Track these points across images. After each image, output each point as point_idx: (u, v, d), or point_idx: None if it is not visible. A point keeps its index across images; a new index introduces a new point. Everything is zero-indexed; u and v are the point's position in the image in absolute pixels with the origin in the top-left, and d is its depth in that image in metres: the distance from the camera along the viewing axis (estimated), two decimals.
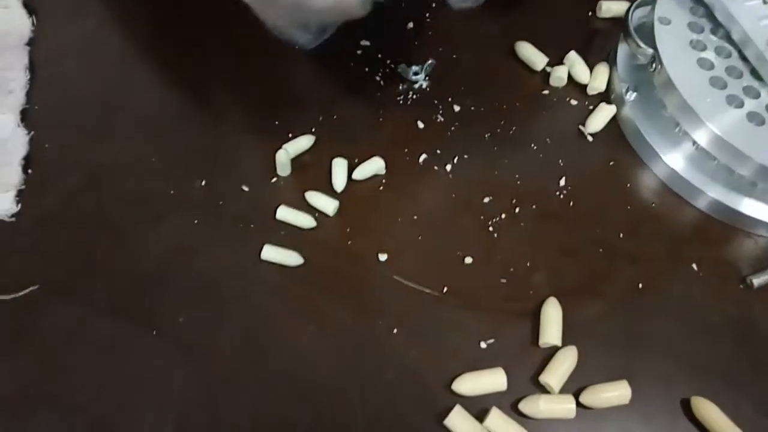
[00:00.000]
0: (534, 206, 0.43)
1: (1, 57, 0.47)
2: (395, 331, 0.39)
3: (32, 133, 0.44)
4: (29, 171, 0.43)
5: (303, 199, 0.42)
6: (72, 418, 0.36)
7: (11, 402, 0.36)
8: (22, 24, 0.48)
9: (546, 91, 0.48)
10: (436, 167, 0.44)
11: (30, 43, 0.48)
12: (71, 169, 0.43)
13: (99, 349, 0.38)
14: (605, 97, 0.48)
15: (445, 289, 0.40)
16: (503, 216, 0.43)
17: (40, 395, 0.36)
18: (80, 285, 0.39)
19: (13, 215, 0.41)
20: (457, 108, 0.47)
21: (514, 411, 0.36)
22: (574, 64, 0.48)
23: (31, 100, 0.46)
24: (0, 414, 0.36)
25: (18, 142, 0.44)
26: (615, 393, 0.37)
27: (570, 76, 0.48)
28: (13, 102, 0.45)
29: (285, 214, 0.42)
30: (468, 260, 0.41)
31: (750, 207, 0.43)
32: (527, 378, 0.38)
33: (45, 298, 0.39)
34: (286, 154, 0.42)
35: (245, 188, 0.43)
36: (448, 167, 0.44)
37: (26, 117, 0.45)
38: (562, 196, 0.44)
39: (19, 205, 0.42)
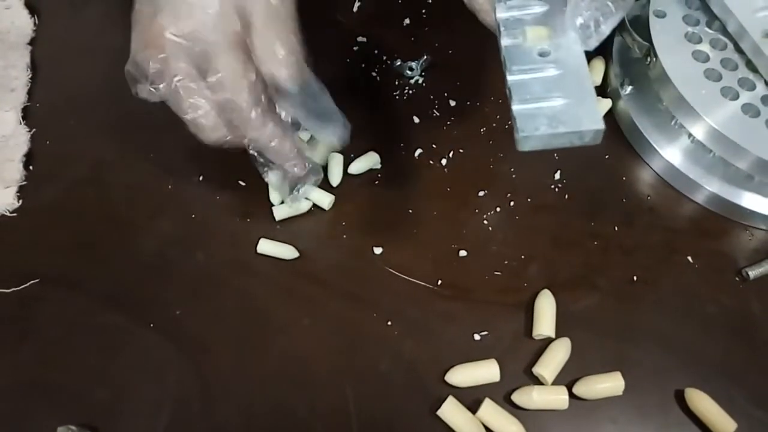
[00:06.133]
0: (529, 199, 0.43)
1: (4, 56, 0.47)
2: (389, 323, 0.39)
3: (33, 130, 0.45)
4: (30, 167, 0.44)
5: None
6: (69, 410, 0.36)
7: (11, 392, 0.37)
8: (24, 23, 0.49)
9: None
10: (431, 161, 0.45)
11: (32, 42, 0.49)
12: (71, 165, 0.44)
13: (97, 342, 0.38)
14: (601, 90, 0.48)
15: (440, 282, 0.40)
16: (498, 209, 0.43)
17: (39, 386, 0.37)
18: (79, 278, 0.40)
19: (14, 210, 0.42)
20: (452, 103, 0.47)
21: (507, 402, 0.37)
22: None
23: (33, 97, 0.47)
24: (0, 404, 0.36)
25: (20, 139, 0.45)
26: (608, 384, 0.37)
27: None
28: (14, 100, 0.46)
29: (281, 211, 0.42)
30: (463, 253, 0.41)
31: (747, 200, 0.43)
32: (520, 369, 0.38)
33: (45, 291, 0.39)
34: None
35: (242, 183, 0.44)
36: (444, 161, 0.45)
37: (28, 114, 0.46)
38: (557, 190, 0.44)
39: (20, 201, 0.42)
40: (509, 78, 0.31)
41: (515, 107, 0.30)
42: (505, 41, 0.32)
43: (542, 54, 0.32)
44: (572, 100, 0.30)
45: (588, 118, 0.29)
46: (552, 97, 0.30)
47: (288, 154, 0.37)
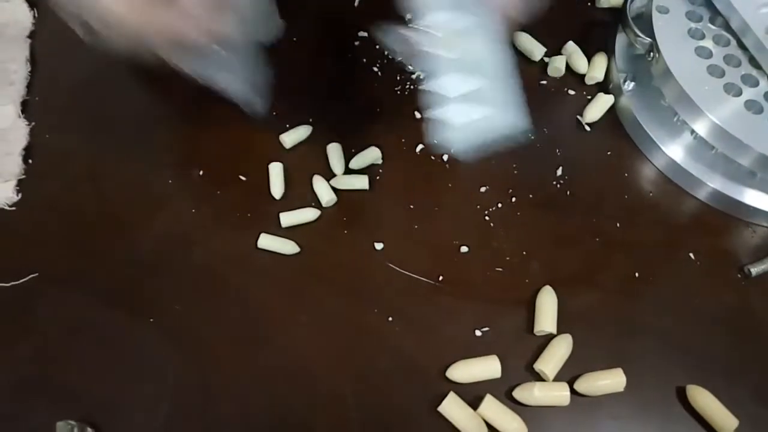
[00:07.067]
0: (531, 196, 0.43)
1: (3, 49, 0.47)
2: (390, 319, 0.39)
3: (33, 124, 0.45)
4: (30, 161, 0.43)
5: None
6: (68, 406, 0.36)
7: (9, 389, 0.36)
8: (23, 16, 0.49)
9: (544, 81, 0.48)
10: (432, 157, 0.45)
11: (31, 35, 0.49)
12: (71, 159, 0.44)
13: (96, 337, 0.38)
14: (603, 87, 0.48)
15: (441, 278, 0.40)
16: (500, 205, 0.43)
17: (37, 383, 0.37)
18: (79, 273, 0.40)
19: (13, 204, 0.42)
20: None
21: (508, 398, 0.37)
22: (572, 54, 0.48)
23: (32, 91, 0.46)
24: None
25: (19, 132, 0.44)
26: (609, 381, 0.37)
27: (568, 66, 0.48)
28: (14, 93, 0.46)
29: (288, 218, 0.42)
30: (464, 249, 0.41)
31: (749, 196, 0.43)
32: (522, 366, 0.38)
33: (44, 285, 0.39)
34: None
35: (242, 178, 0.43)
36: (445, 157, 0.45)
37: (27, 108, 0.45)
38: (559, 186, 0.44)
39: (20, 195, 0.42)
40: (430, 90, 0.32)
41: (438, 119, 0.31)
42: (428, 53, 0.33)
43: (465, 63, 0.32)
44: (495, 105, 0.31)
45: (509, 117, 0.31)
46: (475, 104, 0.31)
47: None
